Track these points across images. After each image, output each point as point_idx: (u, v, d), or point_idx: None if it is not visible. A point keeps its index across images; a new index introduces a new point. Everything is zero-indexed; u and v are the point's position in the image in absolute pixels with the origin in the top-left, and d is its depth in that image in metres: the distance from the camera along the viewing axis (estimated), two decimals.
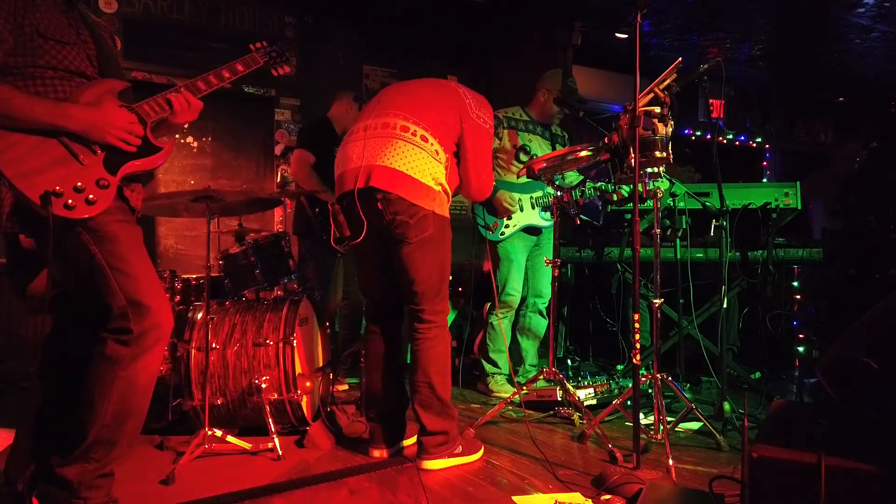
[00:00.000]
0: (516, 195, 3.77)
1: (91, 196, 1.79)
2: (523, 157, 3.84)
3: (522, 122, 3.93)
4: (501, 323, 3.85)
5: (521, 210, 3.78)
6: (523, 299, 3.96)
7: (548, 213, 3.86)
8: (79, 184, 1.78)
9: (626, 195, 3.14)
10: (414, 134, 2.54)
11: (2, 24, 1.77)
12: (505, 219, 3.76)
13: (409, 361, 2.71)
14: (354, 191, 2.50)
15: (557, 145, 3.99)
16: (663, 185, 2.73)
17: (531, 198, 3.80)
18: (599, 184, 3.49)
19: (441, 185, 2.58)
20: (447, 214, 2.63)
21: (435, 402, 2.57)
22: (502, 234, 3.78)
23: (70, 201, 1.76)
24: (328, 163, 3.99)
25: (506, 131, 3.86)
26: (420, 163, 2.51)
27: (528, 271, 3.95)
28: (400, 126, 2.55)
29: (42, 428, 2.00)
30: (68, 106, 1.81)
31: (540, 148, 3.93)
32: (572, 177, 3.83)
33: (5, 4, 1.78)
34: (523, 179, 3.82)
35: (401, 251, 2.55)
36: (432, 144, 2.56)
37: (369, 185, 2.48)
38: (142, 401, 1.92)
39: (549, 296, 3.90)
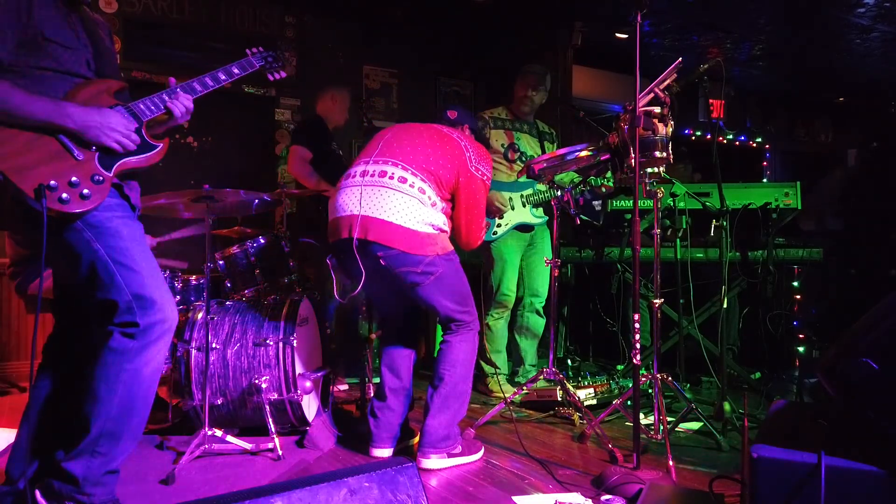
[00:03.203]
0: (506, 194, 3.77)
1: (85, 191, 1.80)
2: (510, 156, 3.85)
3: (508, 122, 3.94)
4: (498, 323, 3.86)
5: (513, 209, 3.79)
6: (520, 299, 3.96)
7: (539, 210, 3.86)
8: (73, 178, 1.79)
9: (612, 186, 3.16)
10: (412, 186, 2.54)
11: (6, 24, 1.77)
12: (497, 218, 3.76)
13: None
14: (353, 241, 2.50)
15: (546, 142, 3.99)
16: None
17: (521, 196, 3.81)
18: (590, 178, 3.48)
19: (440, 228, 2.60)
20: (451, 247, 2.65)
21: (451, 393, 2.61)
22: (494, 233, 3.78)
23: (64, 195, 1.76)
24: (324, 160, 4.00)
25: (492, 131, 3.87)
26: (417, 213, 2.52)
27: (523, 271, 3.95)
28: (398, 177, 2.55)
29: (46, 424, 2.01)
30: (67, 105, 1.81)
31: (528, 145, 3.94)
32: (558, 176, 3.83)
33: (11, 5, 1.79)
34: (513, 178, 3.83)
35: (416, 291, 2.59)
36: (429, 197, 2.57)
37: (368, 238, 2.49)
38: (147, 394, 1.94)
39: (546, 295, 3.90)
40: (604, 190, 3.62)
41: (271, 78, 2.34)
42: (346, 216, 2.55)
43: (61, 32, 1.87)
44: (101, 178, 1.84)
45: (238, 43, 5.13)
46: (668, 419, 2.94)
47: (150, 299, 1.87)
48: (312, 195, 3.96)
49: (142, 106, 1.97)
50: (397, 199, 2.51)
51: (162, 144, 2.00)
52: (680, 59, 2.62)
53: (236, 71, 2.17)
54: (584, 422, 3.11)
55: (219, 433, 2.65)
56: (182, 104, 2.02)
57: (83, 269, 1.85)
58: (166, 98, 2.00)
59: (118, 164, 1.90)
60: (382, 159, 2.62)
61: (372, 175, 2.58)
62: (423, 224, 2.53)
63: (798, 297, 3.99)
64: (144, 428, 2.00)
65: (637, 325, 2.56)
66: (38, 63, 1.83)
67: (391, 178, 2.55)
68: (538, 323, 3.99)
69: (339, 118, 4.28)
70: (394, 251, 2.49)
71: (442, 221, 2.62)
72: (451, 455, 2.58)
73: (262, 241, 3.20)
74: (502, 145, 3.86)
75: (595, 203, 4.18)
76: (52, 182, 1.75)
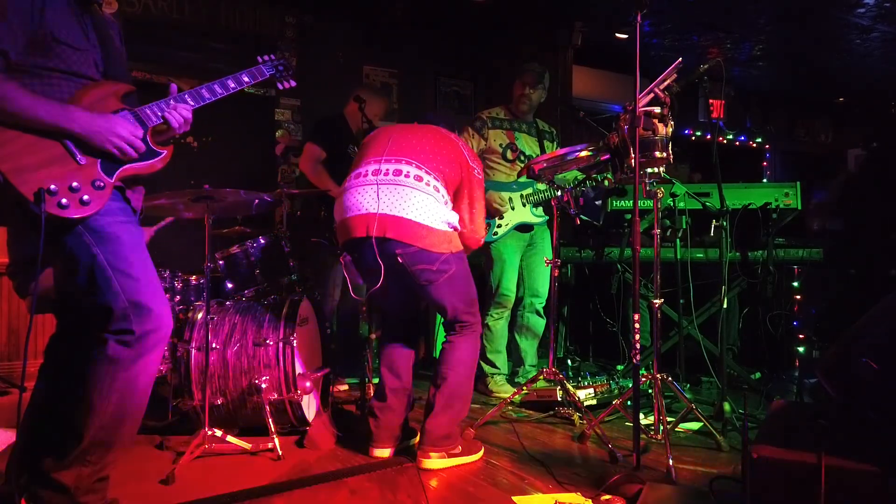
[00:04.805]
0: (506, 194, 3.77)
1: (85, 196, 1.79)
2: (510, 156, 3.84)
3: (507, 121, 3.93)
4: (497, 324, 3.85)
5: (513, 209, 3.78)
6: (520, 299, 3.96)
7: (539, 209, 3.86)
8: (74, 183, 1.78)
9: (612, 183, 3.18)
10: (427, 184, 2.57)
11: (17, 24, 1.77)
12: (497, 218, 3.76)
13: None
14: (372, 239, 2.50)
15: (546, 141, 3.99)
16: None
17: (521, 195, 3.81)
18: (595, 176, 3.48)
19: (454, 226, 2.64)
20: (462, 246, 2.68)
21: (454, 393, 2.62)
22: (495, 234, 3.77)
23: (64, 200, 1.75)
24: (338, 161, 3.95)
25: (491, 131, 3.86)
26: (435, 211, 2.55)
27: (523, 271, 3.94)
28: (414, 175, 2.57)
29: (37, 431, 1.99)
30: (73, 109, 1.81)
31: (527, 144, 3.93)
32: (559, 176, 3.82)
33: (25, 5, 1.78)
34: (513, 178, 3.82)
35: (428, 290, 2.60)
36: (443, 195, 2.61)
37: (387, 236, 2.49)
38: (140, 402, 1.92)
39: (546, 295, 3.90)
40: (606, 184, 3.61)
41: (281, 87, 2.34)
42: (362, 215, 2.54)
43: (71, 33, 1.87)
44: (102, 183, 1.83)
45: (238, 43, 5.14)
46: (668, 419, 2.93)
47: (146, 307, 1.86)
48: (318, 194, 3.95)
49: (148, 111, 1.96)
50: (416, 196, 2.53)
51: (166, 151, 1.98)
52: (680, 59, 2.62)
53: (246, 79, 2.16)
54: (584, 422, 3.11)
55: (219, 433, 2.65)
56: (180, 115, 1.99)
57: (81, 273, 1.84)
58: (164, 107, 1.98)
59: (121, 169, 1.89)
60: (395, 158, 2.62)
61: (386, 174, 2.58)
62: (440, 222, 2.55)
63: (798, 297, 3.99)
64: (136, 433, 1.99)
65: (637, 325, 2.56)
66: (46, 64, 1.83)
67: (407, 176, 2.56)
68: (538, 323, 3.98)
69: (361, 122, 3.96)
70: (412, 248, 2.50)
71: (455, 219, 2.65)
72: (451, 455, 2.58)
73: (262, 241, 3.20)
74: (500, 145, 3.86)
75: (597, 202, 4.18)
76: (53, 186, 1.74)
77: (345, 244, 2.65)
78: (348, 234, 2.59)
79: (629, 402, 2.88)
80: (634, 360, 2.53)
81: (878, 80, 7.32)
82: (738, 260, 3.71)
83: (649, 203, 2.87)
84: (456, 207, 2.72)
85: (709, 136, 7.72)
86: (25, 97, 1.74)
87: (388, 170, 2.59)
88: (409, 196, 2.52)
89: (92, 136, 1.81)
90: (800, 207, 3.78)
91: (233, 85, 2.12)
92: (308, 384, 2.88)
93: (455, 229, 2.64)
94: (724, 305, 3.32)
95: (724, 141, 8.10)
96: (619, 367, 4.16)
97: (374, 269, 2.53)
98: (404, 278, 2.59)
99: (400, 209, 2.50)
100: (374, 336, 3.40)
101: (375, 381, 3.00)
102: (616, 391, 3.52)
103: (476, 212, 2.75)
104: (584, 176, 3.49)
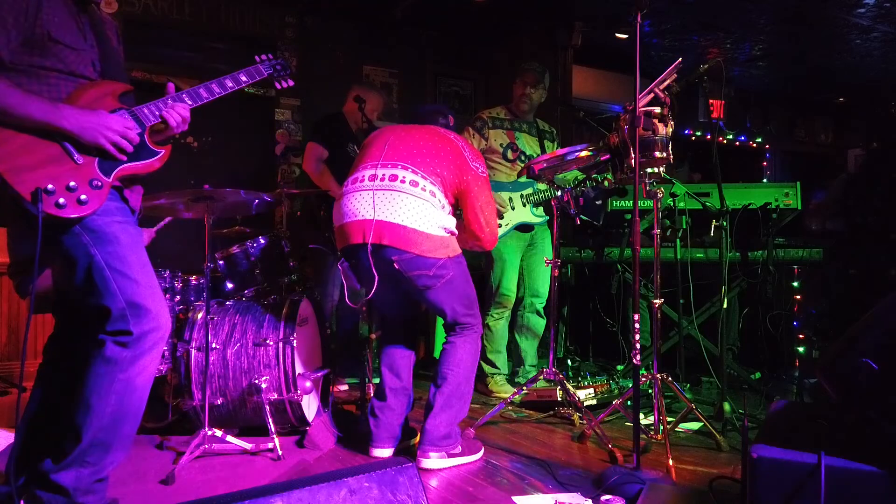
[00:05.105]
0: (506, 195, 3.76)
1: (83, 196, 1.79)
2: (510, 156, 3.84)
3: (507, 121, 3.93)
4: (498, 324, 3.85)
5: (513, 209, 3.78)
6: (520, 300, 3.96)
7: (539, 209, 3.86)
8: (71, 183, 1.78)
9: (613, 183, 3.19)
10: (423, 189, 2.55)
11: (11, 22, 1.77)
12: (497, 219, 3.75)
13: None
14: (368, 246, 2.49)
15: (546, 141, 3.99)
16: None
17: (521, 195, 3.80)
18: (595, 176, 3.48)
19: (451, 231, 2.62)
20: (460, 250, 2.67)
21: (454, 393, 2.62)
22: None
23: (61, 200, 1.75)
24: (339, 160, 3.96)
25: (491, 131, 3.86)
26: (431, 216, 2.53)
27: (524, 271, 3.94)
28: (410, 181, 2.55)
29: (36, 431, 1.99)
30: (63, 106, 1.80)
31: (528, 144, 3.93)
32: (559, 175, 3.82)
33: (19, 3, 1.78)
34: (513, 178, 3.82)
35: (426, 294, 2.60)
36: (439, 200, 2.59)
37: (383, 243, 2.49)
38: (139, 403, 1.92)
39: (546, 295, 3.90)
40: (606, 184, 3.62)
41: (279, 86, 2.35)
42: (359, 221, 2.54)
43: (68, 33, 1.87)
44: (99, 183, 1.83)
45: (238, 43, 5.14)
46: (668, 419, 2.93)
47: (144, 307, 1.86)
48: (318, 194, 3.95)
49: (146, 111, 1.95)
50: (411, 202, 2.52)
51: (164, 151, 1.98)
52: (680, 59, 2.62)
53: (244, 78, 2.17)
54: (584, 422, 3.11)
55: (219, 433, 2.65)
56: (178, 114, 1.99)
57: (79, 273, 1.84)
58: (162, 106, 1.98)
59: (118, 169, 1.89)
60: (391, 163, 2.61)
61: (382, 179, 2.57)
62: (436, 227, 2.54)
63: (798, 297, 3.99)
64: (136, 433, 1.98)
65: (637, 325, 2.56)
66: (43, 63, 1.82)
67: (402, 181, 2.55)
68: (538, 323, 3.99)
69: (361, 121, 3.94)
70: (408, 255, 2.49)
71: (453, 224, 2.63)
72: (451, 455, 2.58)
73: (262, 241, 3.20)
74: (501, 145, 3.85)
75: (597, 202, 4.18)
76: (50, 186, 1.74)
77: (342, 250, 2.65)
78: (346, 240, 2.59)
79: (629, 402, 2.88)
80: (634, 360, 2.53)
81: (878, 80, 7.32)
82: (738, 260, 3.71)
83: (649, 203, 2.87)
84: (466, 214, 2.70)
85: (709, 136, 7.71)
86: (14, 94, 1.74)
87: (384, 175, 2.58)
88: (404, 202, 2.51)
89: (83, 132, 1.81)
90: (800, 207, 3.79)
91: (231, 84, 2.12)
92: (308, 384, 2.89)
93: (452, 234, 2.63)
94: (724, 305, 3.32)
95: (724, 141, 8.09)
96: (619, 367, 4.16)
97: (371, 275, 2.53)
98: (402, 284, 2.59)
99: (395, 215, 2.50)
100: (374, 336, 3.40)
101: (375, 381, 3.00)
102: (616, 391, 3.52)
103: (489, 215, 2.73)
104: (584, 176, 3.49)
